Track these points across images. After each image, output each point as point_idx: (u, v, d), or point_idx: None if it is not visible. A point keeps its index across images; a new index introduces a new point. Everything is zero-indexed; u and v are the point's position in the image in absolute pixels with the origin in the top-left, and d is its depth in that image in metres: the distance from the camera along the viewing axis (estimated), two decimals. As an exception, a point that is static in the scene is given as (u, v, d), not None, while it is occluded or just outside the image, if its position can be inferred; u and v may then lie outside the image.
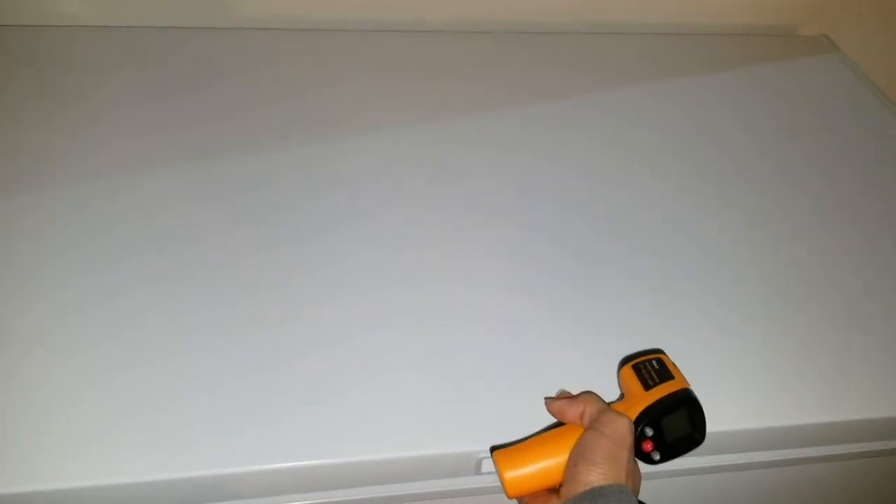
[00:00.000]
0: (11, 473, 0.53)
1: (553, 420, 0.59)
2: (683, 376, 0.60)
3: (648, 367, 0.61)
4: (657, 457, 0.56)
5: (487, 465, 0.59)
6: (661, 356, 0.62)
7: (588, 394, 0.58)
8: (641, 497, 0.54)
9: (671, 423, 0.57)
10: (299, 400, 0.60)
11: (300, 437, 0.57)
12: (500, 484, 0.55)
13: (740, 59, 1.05)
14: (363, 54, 0.96)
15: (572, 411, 0.56)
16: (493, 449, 0.57)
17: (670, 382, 0.59)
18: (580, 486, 0.50)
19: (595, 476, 0.50)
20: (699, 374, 0.62)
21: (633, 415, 0.56)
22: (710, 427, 0.58)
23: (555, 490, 0.54)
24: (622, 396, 0.62)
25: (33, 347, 0.61)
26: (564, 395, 0.60)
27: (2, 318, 0.62)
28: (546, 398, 0.60)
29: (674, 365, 0.61)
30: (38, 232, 0.70)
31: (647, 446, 0.56)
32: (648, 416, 0.56)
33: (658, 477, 0.66)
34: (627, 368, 0.62)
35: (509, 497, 0.54)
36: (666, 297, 0.72)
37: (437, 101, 0.90)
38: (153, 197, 0.74)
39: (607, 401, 0.59)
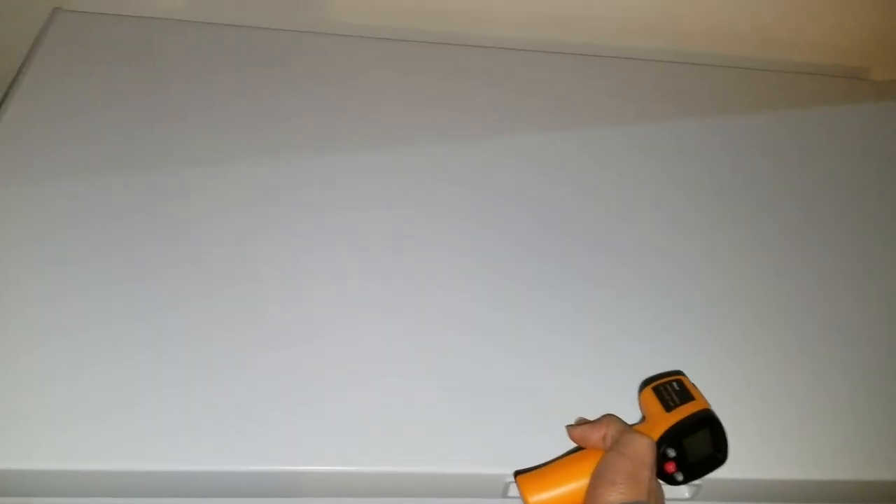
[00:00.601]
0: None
1: (575, 446, 0.60)
2: (704, 397, 0.61)
3: (669, 388, 0.61)
4: (680, 477, 0.57)
5: (514, 489, 0.60)
6: (680, 377, 0.63)
7: (609, 416, 0.59)
8: None
9: (693, 444, 0.58)
10: (327, 408, 0.61)
11: (326, 442, 0.59)
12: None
13: (808, 98, 1.02)
14: (370, 60, 0.95)
15: (594, 435, 0.57)
16: (517, 473, 0.57)
17: (691, 403, 0.59)
18: None
19: (615, 496, 0.51)
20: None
21: (655, 436, 0.57)
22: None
23: None
24: (643, 419, 0.62)
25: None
26: (585, 421, 0.60)
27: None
28: (567, 425, 0.61)
29: (694, 386, 0.62)
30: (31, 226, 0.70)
31: (670, 467, 0.56)
32: (670, 437, 0.57)
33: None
34: (648, 391, 0.62)
35: None
36: (686, 326, 0.73)
37: (467, 111, 0.90)
38: (172, 190, 0.75)
39: (629, 423, 0.60)
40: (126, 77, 0.85)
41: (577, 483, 0.55)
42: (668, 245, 0.80)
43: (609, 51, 1.03)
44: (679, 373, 0.66)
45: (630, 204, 0.83)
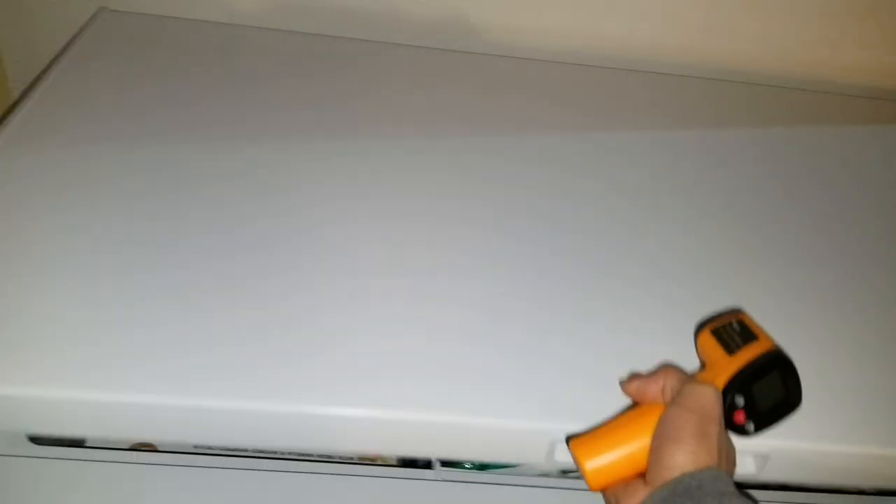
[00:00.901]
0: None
1: (631, 404, 0.54)
2: (769, 336, 0.54)
3: (729, 329, 0.55)
4: (751, 427, 0.51)
5: (562, 452, 0.54)
6: (741, 316, 0.57)
7: (666, 367, 0.53)
8: None
9: (763, 389, 0.52)
10: (353, 349, 0.57)
11: (348, 384, 0.55)
12: (581, 476, 0.50)
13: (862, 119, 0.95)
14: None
15: (652, 389, 0.51)
16: (569, 438, 0.52)
17: (756, 343, 0.53)
18: (666, 472, 0.45)
19: (682, 457, 0.45)
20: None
21: (720, 384, 0.51)
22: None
23: (643, 475, 0.48)
24: (703, 366, 0.56)
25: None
26: (639, 375, 0.54)
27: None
28: (621, 381, 0.55)
29: (756, 324, 0.56)
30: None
31: (740, 417, 0.50)
32: (737, 384, 0.51)
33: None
34: (706, 334, 0.56)
35: (592, 489, 0.50)
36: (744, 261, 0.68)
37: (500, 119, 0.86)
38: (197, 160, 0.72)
39: (689, 373, 0.54)
40: (155, 76, 0.82)
41: (637, 443, 0.49)
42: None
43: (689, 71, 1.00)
44: (738, 311, 0.60)
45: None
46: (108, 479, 0.61)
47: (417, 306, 0.61)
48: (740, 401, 0.50)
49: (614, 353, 0.59)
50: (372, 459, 0.67)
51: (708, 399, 0.48)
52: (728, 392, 0.51)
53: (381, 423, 0.54)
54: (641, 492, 0.46)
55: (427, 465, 0.67)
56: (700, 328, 0.58)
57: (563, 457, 0.54)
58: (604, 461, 0.49)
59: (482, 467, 0.69)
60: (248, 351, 0.55)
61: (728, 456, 0.48)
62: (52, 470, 0.61)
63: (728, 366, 0.52)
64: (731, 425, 0.51)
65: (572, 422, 0.54)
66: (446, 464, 0.66)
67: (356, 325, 0.59)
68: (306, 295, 0.60)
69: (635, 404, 0.53)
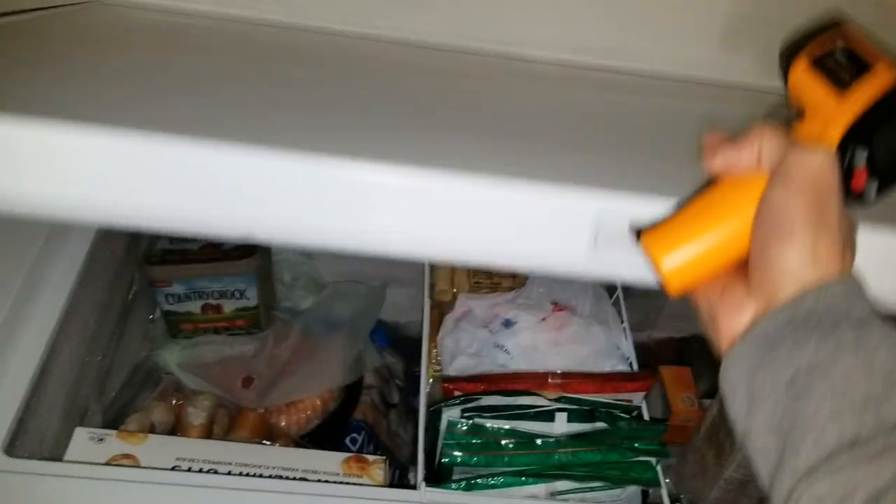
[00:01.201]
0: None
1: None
2: (888, 57, 0.41)
3: (835, 55, 0.41)
4: (873, 191, 0.39)
5: (606, 235, 0.43)
6: (845, 31, 0.42)
7: (762, 127, 0.39)
8: None
9: (888, 137, 0.39)
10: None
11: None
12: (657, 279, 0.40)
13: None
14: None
15: (744, 157, 0.38)
16: (640, 231, 0.41)
17: (873, 73, 0.40)
18: (779, 279, 0.35)
19: (798, 257, 0.34)
20: None
21: (835, 137, 0.39)
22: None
23: (742, 273, 0.38)
24: (800, 113, 0.43)
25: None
26: (724, 139, 0.40)
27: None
28: (703, 150, 0.40)
29: (869, 41, 0.41)
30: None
31: (860, 180, 0.39)
32: (858, 135, 0.38)
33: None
34: (802, 65, 0.42)
35: (673, 295, 0.40)
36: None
37: None
38: None
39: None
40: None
41: (730, 227, 0.38)
42: None
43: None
44: (838, 23, 0.45)
45: None
46: (87, 495, 0.57)
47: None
48: (862, 157, 0.38)
49: (689, 112, 0.46)
50: (358, 475, 0.63)
51: (822, 168, 0.36)
52: (846, 147, 0.38)
53: (396, 187, 0.42)
54: (747, 308, 0.36)
55: (413, 486, 0.65)
56: (791, 56, 0.43)
57: (611, 249, 0.43)
58: (686, 255, 0.39)
59: (468, 487, 0.67)
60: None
61: (852, 243, 0.37)
62: (27, 486, 0.56)
63: (842, 110, 0.39)
64: (847, 192, 0.39)
65: (629, 196, 0.42)
66: (431, 483, 0.63)
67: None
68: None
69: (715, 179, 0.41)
